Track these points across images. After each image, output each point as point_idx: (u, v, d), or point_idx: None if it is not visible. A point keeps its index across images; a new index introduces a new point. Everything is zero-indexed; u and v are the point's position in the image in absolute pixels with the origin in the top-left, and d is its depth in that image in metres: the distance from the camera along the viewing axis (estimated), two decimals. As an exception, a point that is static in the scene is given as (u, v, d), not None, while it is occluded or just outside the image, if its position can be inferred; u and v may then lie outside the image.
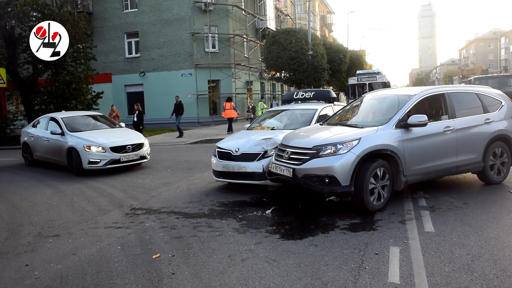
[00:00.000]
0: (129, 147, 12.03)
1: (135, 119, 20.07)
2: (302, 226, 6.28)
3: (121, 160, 11.82)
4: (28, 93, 23.74)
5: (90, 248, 5.73)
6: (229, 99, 24.87)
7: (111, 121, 14.63)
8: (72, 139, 12.18)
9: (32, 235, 6.48)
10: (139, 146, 12.35)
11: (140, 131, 19.66)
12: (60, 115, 13.72)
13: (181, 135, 22.44)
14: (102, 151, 11.69)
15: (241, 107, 34.39)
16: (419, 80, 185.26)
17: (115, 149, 11.82)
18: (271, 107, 27.35)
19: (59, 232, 6.55)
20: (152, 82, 32.23)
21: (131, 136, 12.87)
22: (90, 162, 11.60)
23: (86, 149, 11.63)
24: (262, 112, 25.26)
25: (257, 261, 4.96)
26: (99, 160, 11.62)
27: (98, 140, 12.00)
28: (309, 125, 9.12)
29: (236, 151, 8.57)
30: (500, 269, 4.46)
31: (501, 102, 8.46)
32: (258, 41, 38.18)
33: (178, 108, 22.36)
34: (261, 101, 27.49)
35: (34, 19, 23.05)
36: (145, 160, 12.59)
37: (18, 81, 23.77)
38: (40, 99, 23.54)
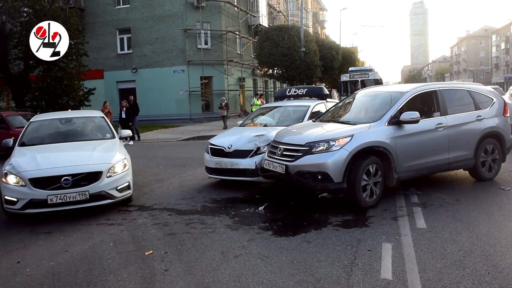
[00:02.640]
0: (66, 180, 6.74)
1: (124, 116, 19.93)
2: (295, 222, 6.29)
3: (48, 202, 6.69)
4: (19, 89, 23.55)
5: (82, 245, 5.71)
6: (261, 95, 24.91)
7: (105, 129, 9.19)
8: (8, 160, 7.62)
9: (24, 232, 6.44)
10: (91, 177, 6.89)
11: (129, 127, 19.56)
12: (36, 117, 9.68)
13: (138, 138, 20.64)
14: (21, 184, 6.79)
15: (233, 104, 34.38)
16: (411, 77, 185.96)
17: (40, 181, 6.75)
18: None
19: (51, 229, 6.50)
20: (144, 78, 32.06)
21: (88, 158, 7.40)
22: (6, 201, 6.88)
23: (3, 180, 7.01)
24: (252, 109, 25.23)
25: (250, 258, 4.96)
26: (16, 200, 6.75)
27: (22, 163, 7.17)
28: (302, 121, 9.13)
29: (229, 148, 8.56)
30: (491, 265, 4.50)
31: (493, 99, 8.51)
32: (251, 38, 38.11)
33: (134, 109, 20.80)
34: (254, 97, 27.34)
35: (25, 14, 22.85)
36: (108, 201, 7.06)
37: (9, 77, 23.57)
38: (31, 95, 23.36)
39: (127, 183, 7.48)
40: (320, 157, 6.57)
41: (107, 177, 7.06)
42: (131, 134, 9.04)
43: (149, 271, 4.73)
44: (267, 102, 33.43)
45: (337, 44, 46.60)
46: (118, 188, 7.22)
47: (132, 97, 21.68)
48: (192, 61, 31.33)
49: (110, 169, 7.17)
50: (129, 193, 7.61)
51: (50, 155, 7.71)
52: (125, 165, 7.57)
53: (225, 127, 23.23)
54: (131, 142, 18.73)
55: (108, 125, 9.30)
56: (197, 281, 4.41)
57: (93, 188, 6.87)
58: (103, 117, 9.62)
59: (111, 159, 7.43)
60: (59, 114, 10.43)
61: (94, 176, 6.96)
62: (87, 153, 7.79)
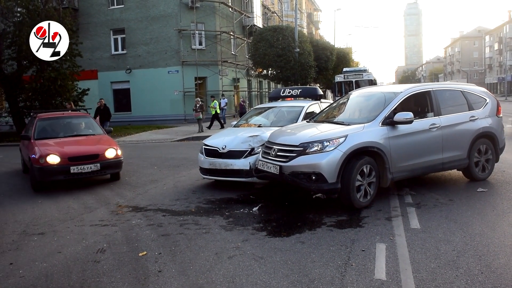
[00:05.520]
0: None
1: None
2: (289, 223, 6.29)
3: None
4: (13, 89, 23.42)
5: (75, 246, 5.68)
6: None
7: None
8: None
9: (17, 233, 6.40)
10: None
11: None
12: None
13: None
14: None
15: (229, 105, 34.31)
16: (405, 77, 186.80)
17: None
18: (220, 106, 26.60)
19: (44, 230, 6.48)
20: (138, 79, 31.96)
21: None
22: None
23: None
24: (215, 111, 24.87)
25: (244, 259, 4.96)
26: None
27: None
28: (296, 122, 9.14)
29: (223, 148, 8.55)
30: (484, 264, 4.51)
31: (486, 100, 8.55)
32: (245, 38, 38.11)
33: (105, 113, 19.93)
34: (213, 99, 26.43)
35: (18, 14, 22.73)
36: None
37: (2, 77, 23.43)
38: (24, 95, 23.24)
39: None
40: (314, 158, 6.58)
41: None
42: None
43: (143, 272, 4.71)
44: (230, 104, 33.25)
45: (331, 44, 46.75)
46: None
47: (103, 100, 21.02)
48: (186, 61, 31.28)
49: None
50: None
51: None
52: None
53: (201, 130, 22.92)
54: None
55: None
56: (191, 282, 4.40)
57: None
58: None
59: None
60: None
61: None
62: None
